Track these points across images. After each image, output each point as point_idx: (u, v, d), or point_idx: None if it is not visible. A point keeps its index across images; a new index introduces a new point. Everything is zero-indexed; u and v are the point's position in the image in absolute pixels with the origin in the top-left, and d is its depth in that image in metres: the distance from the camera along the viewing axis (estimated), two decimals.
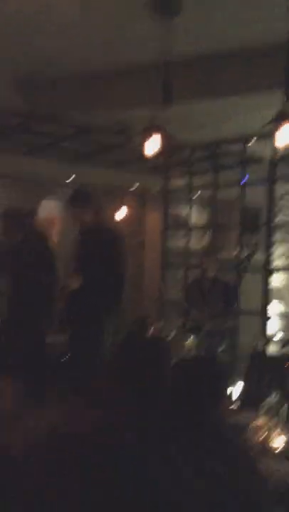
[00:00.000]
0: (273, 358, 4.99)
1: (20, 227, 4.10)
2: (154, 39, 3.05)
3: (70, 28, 3.37)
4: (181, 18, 3.00)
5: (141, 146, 3.19)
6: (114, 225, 4.24)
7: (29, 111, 4.38)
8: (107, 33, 3.40)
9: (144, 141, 3.13)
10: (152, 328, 5.15)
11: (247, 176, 5.73)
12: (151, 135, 3.10)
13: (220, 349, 5.25)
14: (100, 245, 3.77)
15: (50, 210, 5.45)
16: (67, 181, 6.16)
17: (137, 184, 6.48)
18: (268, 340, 5.59)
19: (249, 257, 5.98)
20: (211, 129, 4.83)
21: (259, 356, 4.88)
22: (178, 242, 6.60)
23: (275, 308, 6.30)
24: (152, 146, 3.13)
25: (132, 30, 3.30)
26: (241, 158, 5.53)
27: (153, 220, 6.85)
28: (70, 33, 3.45)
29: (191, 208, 6.30)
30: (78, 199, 3.86)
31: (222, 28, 3.25)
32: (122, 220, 6.25)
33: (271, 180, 5.61)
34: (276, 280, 6.29)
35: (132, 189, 6.59)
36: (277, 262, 6.34)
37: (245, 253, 6.10)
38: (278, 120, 2.81)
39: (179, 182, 6.23)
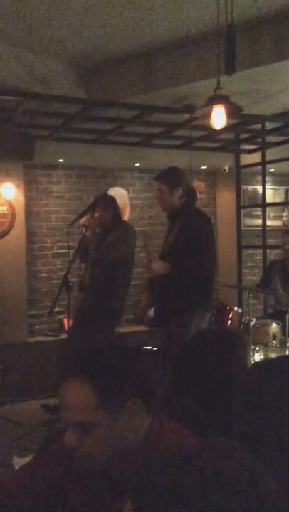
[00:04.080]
0: None
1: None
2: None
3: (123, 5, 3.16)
4: None
5: (205, 122, 2.92)
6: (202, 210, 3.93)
7: (89, 96, 4.25)
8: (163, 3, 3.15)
9: (208, 115, 2.86)
10: (231, 314, 4.90)
11: None
12: (215, 107, 2.83)
13: None
14: (191, 229, 3.48)
15: (120, 197, 5.29)
16: (136, 165, 6.01)
17: (206, 163, 6.18)
18: None
19: None
20: (281, 98, 4.42)
21: None
22: (254, 221, 6.24)
23: None
24: (217, 119, 2.85)
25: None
26: None
27: (225, 199, 6.53)
28: (123, 11, 3.24)
29: (266, 183, 5.90)
30: (165, 178, 3.55)
31: None
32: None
33: None
34: None
35: (202, 168, 6.30)
36: None
37: None
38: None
39: (251, 157, 5.86)
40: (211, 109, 2.83)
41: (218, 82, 2.85)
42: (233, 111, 2.83)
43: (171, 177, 3.49)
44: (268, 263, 5.61)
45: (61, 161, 5.62)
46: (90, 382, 1.24)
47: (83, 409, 1.24)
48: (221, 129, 5.10)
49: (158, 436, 1.30)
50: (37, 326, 5.64)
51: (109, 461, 1.26)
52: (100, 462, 1.26)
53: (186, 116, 4.28)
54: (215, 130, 3.23)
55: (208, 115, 2.83)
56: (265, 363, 1.81)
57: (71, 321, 4.08)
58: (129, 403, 1.26)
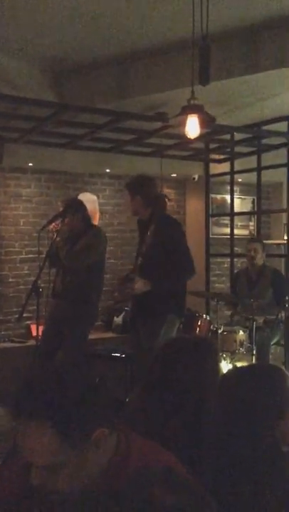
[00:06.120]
0: None
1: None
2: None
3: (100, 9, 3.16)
4: None
5: (179, 130, 2.96)
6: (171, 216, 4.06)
7: (61, 101, 4.22)
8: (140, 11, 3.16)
9: (182, 124, 2.89)
10: (200, 321, 4.94)
11: None
12: (189, 116, 2.86)
13: (272, 342, 4.98)
14: (163, 236, 3.55)
15: (90, 203, 5.29)
16: (106, 171, 6.00)
17: (176, 171, 6.22)
18: None
19: None
20: (251, 110, 4.51)
21: None
22: (222, 229, 6.32)
23: None
24: (191, 128, 2.88)
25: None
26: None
27: (194, 207, 6.59)
28: (100, 16, 3.24)
29: (234, 193, 5.99)
30: (128, 185, 3.74)
31: None
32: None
33: None
34: None
35: (172, 175, 6.34)
36: None
37: None
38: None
39: (220, 166, 5.94)
40: (186, 119, 2.86)
41: (193, 92, 2.88)
42: (206, 121, 2.87)
43: (132, 185, 3.65)
44: (235, 271, 5.69)
45: (31, 164, 5.54)
46: (50, 424, 1.15)
47: (47, 452, 1.16)
48: (192, 138, 5.19)
49: (125, 456, 1.24)
50: (3, 332, 5.53)
51: (78, 491, 1.19)
52: (69, 495, 1.18)
53: (158, 124, 4.31)
54: (188, 139, 3.26)
55: (182, 124, 2.86)
56: (238, 371, 1.82)
57: (42, 328, 4.01)
58: (95, 434, 1.19)
